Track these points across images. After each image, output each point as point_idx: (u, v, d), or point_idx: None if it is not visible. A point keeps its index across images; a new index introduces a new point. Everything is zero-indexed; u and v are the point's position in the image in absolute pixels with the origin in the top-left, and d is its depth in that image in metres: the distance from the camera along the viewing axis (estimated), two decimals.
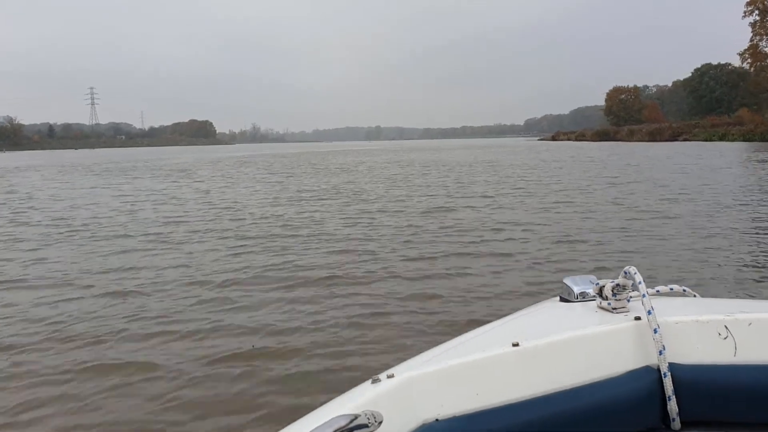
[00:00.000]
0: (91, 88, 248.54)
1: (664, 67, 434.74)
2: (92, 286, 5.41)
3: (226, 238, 7.93)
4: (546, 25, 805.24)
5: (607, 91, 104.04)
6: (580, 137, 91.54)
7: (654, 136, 65.65)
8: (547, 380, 0.98)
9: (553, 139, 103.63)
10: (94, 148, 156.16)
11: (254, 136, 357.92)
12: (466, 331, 1.24)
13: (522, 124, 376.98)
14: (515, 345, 1.00)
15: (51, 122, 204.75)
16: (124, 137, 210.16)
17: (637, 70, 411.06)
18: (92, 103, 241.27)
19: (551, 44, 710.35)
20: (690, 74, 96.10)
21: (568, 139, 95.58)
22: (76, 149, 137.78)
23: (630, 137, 71.24)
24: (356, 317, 4.27)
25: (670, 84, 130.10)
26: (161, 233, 8.43)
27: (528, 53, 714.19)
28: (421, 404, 0.92)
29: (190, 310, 4.56)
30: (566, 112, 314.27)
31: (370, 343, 3.75)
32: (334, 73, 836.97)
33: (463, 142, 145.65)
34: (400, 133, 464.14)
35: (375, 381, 0.94)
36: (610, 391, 0.99)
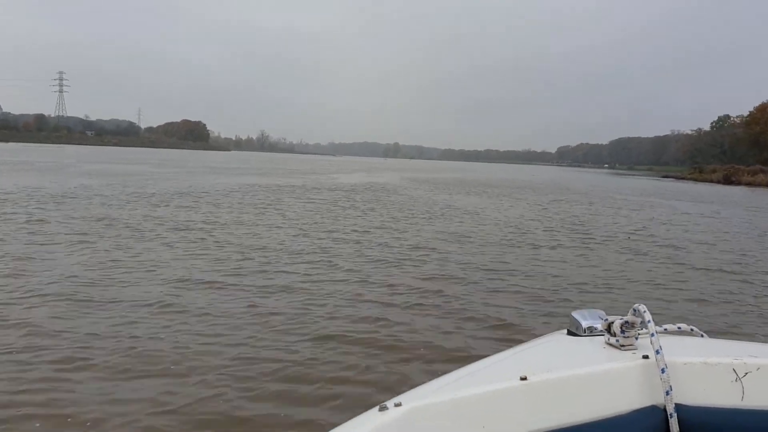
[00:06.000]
0: (61, 73, 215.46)
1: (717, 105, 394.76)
2: None
3: None
4: (585, 54, 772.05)
5: (753, 108, 66.98)
6: None
7: None
8: (553, 416, 0.97)
9: (727, 180, 59.29)
10: (42, 143, 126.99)
11: (262, 145, 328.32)
12: (474, 361, 1.25)
13: (554, 151, 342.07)
14: (523, 379, 1.00)
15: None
16: (92, 133, 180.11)
17: (688, 107, 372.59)
18: (60, 91, 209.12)
19: (591, 72, 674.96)
20: None
21: None
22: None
23: None
24: None
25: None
26: None
27: (564, 81, 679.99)
28: None
29: None
30: (605, 142, 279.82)
31: None
32: (354, 92, 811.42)
33: (507, 169, 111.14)
34: (420, 152, 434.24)
35: (382, 408, 0.94)
36: (616, 429, 0.99)
